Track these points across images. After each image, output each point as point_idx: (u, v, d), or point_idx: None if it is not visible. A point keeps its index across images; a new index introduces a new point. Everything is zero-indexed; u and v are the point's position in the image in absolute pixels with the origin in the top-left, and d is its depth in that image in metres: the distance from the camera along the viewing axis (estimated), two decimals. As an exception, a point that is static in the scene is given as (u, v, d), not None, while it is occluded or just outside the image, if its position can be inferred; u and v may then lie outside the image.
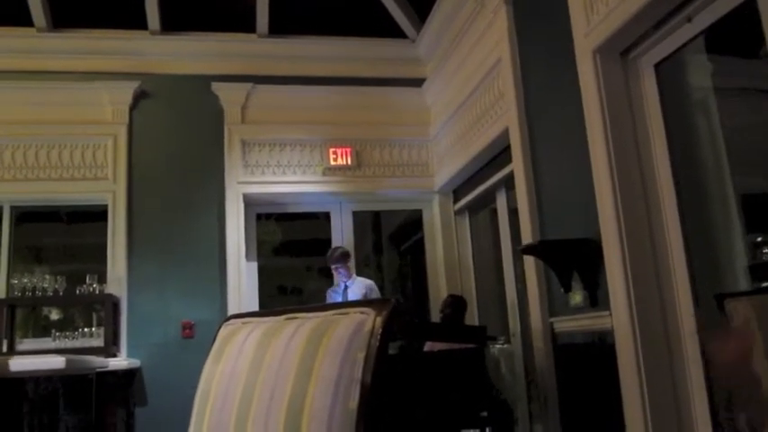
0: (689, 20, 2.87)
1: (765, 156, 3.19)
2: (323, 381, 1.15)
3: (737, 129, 3.36)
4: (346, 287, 5.36)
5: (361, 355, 1.15)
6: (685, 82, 3.31)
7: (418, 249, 6.51)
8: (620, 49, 3.25)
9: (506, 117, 4.42)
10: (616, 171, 3.17)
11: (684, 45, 3.02)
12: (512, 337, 5.04)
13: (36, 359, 3.29)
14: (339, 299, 5.29)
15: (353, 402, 1.13)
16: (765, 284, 3.22)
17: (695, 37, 2.94)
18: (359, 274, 5.76)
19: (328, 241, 6.13)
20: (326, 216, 6.28)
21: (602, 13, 3.21)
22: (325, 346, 1.19)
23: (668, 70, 3.18)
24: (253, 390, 1.31)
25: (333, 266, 5.38)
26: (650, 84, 3.20)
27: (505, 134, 4.46)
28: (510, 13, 4.37)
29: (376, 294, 5.38)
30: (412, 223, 6.88)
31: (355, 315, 1.23)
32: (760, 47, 2.59)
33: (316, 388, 1.16)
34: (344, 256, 5.40)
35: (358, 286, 5.36)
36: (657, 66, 3.18)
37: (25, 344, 5.30)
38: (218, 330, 1.59)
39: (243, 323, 1.54)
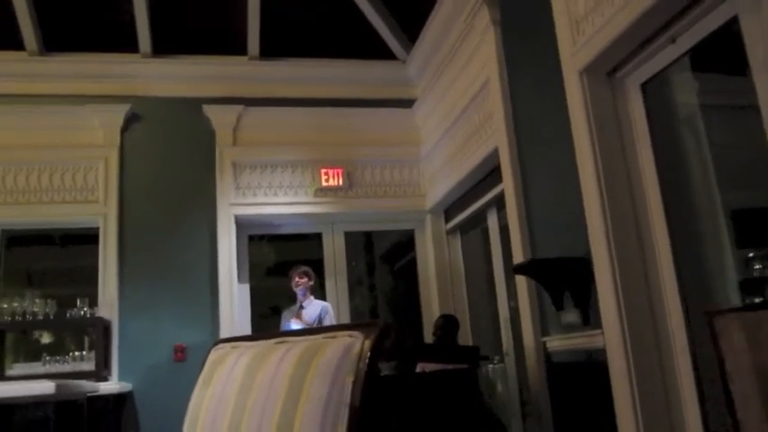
0: (673, 41, 2.92)
1: (754, 171, 3.22)
2: (312, 405, 1.15)
3: (725, 145, 3.39)
4: (302, 307, 5.39)
5: (349, 380, 1.15)
6: (672, 100, 3.35)
7: (411, 269, 6.51)
8: (607, 70, 3.29)
9: (496, 137, 4.45)
10: (605, 189, 3.19)
11: (670, 65, 3.05)
12: (505, 356, 5.04)
13: (26, 385, 3.27)
14: (291, 322, 5.30)
15: (342, 426, 1.13)
16: (755, 300, 3.24)
17: (680, 57, 2.98)
18: (352, 294, 5.74)
19: (321, 262, 6.14)
20: (319, 237, 6.28)
21: (588, 34, 3.25)
22: (314, 370, 1.19)
23: (655, 89, 3.22)
24: (242, 414, 1.31)
25: (297, 276, 5.42)
26: (637, 103, 3.23)
27: (495, 154, 4.49)
28: (498, 35, 4.42)
29: (331, 317, 5.42)
30: (404, 243, 6.89)
31: (344, 338, 1.23)
32: (745, 64, 2.63)
33: (305, 412, 1.16)
34: (308, 273, 5.49)
35: (314, 308, 5.41)
36: (644, 85, 3.22)
37: (16, 369, 5.26)
38: (208, 355, 1.59)
39: (232, 347, 1.54)
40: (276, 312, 6.37)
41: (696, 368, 2.90)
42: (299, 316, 5.34)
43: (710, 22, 2.73)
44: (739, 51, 2.60)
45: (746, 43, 2.54)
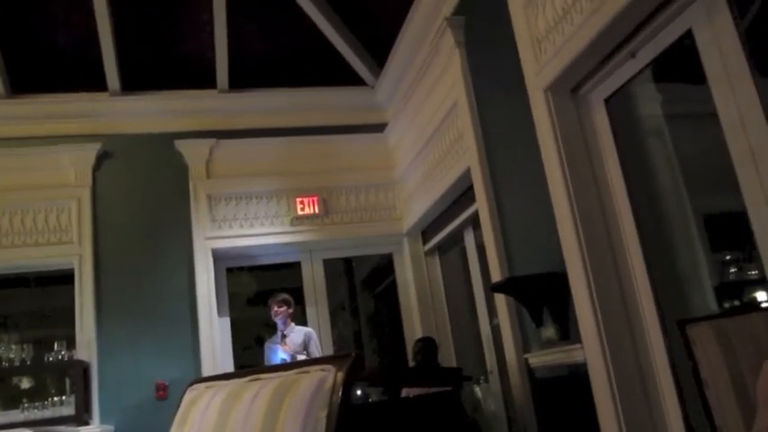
0: (633, 55, 2.98)
1: (722, 176, 3.28)
2: (286, 442, 1.15)
3: (692, 152, 3.45)
4: (284, 336, 5.32)
5: (323, 414, 1.15)
6: (636, 112, 3.41)
7: (392, 292, 6.51)
8: (570, 87, 3.34)
9: (467, 157, 4.49)
10: (575, 204, 3.23)
11: (632, 78, 3.11)
12: (489, 375, 5.03)
13: (3, 435, 3.21)
14: (278, 349, 5.25)
15: (318, 461, 1.13)
16: (734, 303, 3.28)
17: (641, 70, 3.04)
18: (334, 320, 5.69)
19: (301, 290, 6.11)
20: (298, 264, 6.26)
21: (549, 53, 3.30)
22: (287, 407, 1.18)
23: (618, 103, 3.28)
24: (219, 454, 1.29)
25: (276, 306, 5.34)
26: (601, 117, 3.28)
27: (468, 174, 4.53)
28: (464, 56, 4.48)
29: (315, 342, 5.38)
30: (384, 267, 6.89)
31: (316, 373, 1.23)
32: (704, 73, 2.69)
33: (280, 450, 1.16)
34: (287, 301, 5.41)
35: (297, 335, 5.35)
36: (608, 99, 3.27)
37: (-6, 418, 5.14)
38: (183, 396, 1.57)
39: (206, 387, 1.53)
40: (260, 343, 6.33)
41: (676, 376, 2.93)
42: (284, 344, 5.27)
43: (667, 36, 2.80)
44: (698, 61, 2.67)
45: (701, 55, 2.60)
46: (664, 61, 2.96)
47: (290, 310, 5.42)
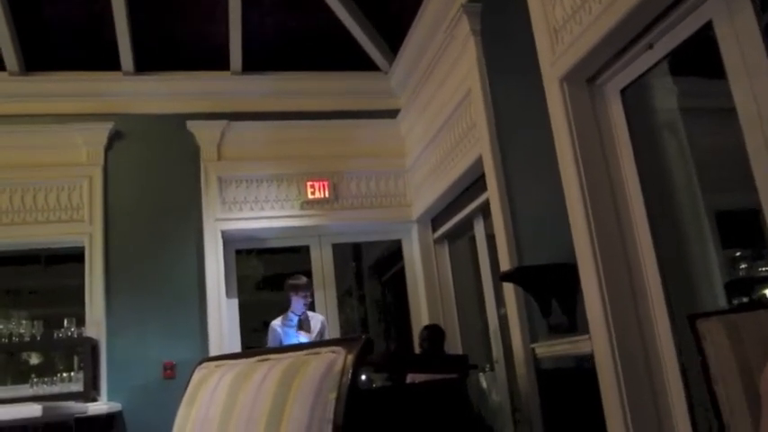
0: (650, 46, 2.95)
1: (736, 172, 3.25)
2: (294, 424, 1.15)
3: (707, 147, 3.42)
4: (301, 320, 5.24)
5: (332, 396, 1.15)
6: (652, 105, 3.38)
7: (400, 279, 6.51)
8: (586, 77, 3.31)
9: (479, 145, 4.47)
10: (587, 195, 3.21)
11: (648, 70, 3.08)
12: (495, 364, 5.04)
13: (11, 408, 3.24)
14: (297, 335, 5.15)
15: (326, 444, 1.13)
16: (743, 300, 3.26)
17: (658, 62, 3.01)
18: (341, 305, 5.69)
19: (309, 274, 6.10)
20: (307, 249, 6.27)
21: (566, 43, 3.27)
22: (297, 389, 1.18)
23: (634, 94, 3.25)
24: (227, 434, 1.30)
25: (303, 294, 5.25)
26: (617, 109, 3.26)
27: (479, 162, 4.51)
28: (479, 44, 4.45)
29: (327, 330, 5.34)
30: (392, 253, 6.89)
31: (326, 354, 1.23)
32: (723, 67, 2.66)
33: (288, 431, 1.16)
34: (310, 286, 5.35)
35: (315, 321, 5.30)
36: (623, 91, 3.25)
37: (2, 392, 5.18)
38: (192, 375, 1.58)
39: (216, 366, 1.53)
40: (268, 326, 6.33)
41: (684, 372, 2.92)
42: (306, 328, 5.22)
43: (686, 28, 2.76)
44: (717, 55, 2.63)
45: (721, 47, 2.57)
46: (681, 54, 2.92)
47: (310, 299, 5.38)
